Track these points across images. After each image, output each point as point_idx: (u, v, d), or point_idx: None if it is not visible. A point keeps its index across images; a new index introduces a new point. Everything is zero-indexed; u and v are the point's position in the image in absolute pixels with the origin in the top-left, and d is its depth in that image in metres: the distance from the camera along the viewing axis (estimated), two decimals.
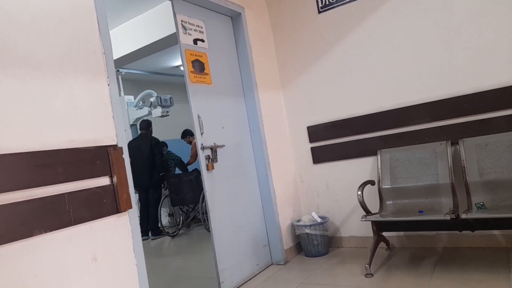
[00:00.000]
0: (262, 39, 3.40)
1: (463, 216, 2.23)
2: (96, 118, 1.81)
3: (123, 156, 1.86)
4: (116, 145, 1.86)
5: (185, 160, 6.04)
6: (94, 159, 1.73)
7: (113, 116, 1.88)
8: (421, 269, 2.49)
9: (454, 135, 2.72)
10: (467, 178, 2.52)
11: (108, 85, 1.89)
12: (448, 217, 2.24)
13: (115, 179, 1.79)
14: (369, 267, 2.52)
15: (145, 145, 5.18)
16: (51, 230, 1.53)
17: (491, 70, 2.60)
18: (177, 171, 5.95)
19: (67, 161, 1.63)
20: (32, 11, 1.62)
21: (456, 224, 2.40)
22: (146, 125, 5.37)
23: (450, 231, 2.56)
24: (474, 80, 2.66)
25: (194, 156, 5.68)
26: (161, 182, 5.37)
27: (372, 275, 2.51)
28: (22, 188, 1.46)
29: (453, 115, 2.72)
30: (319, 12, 3.27)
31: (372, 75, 3.05)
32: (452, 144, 2.69)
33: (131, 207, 1.85)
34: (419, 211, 2.58)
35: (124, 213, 1.83)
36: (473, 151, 2.56)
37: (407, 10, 2.87)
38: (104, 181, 1.77)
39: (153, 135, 5.47)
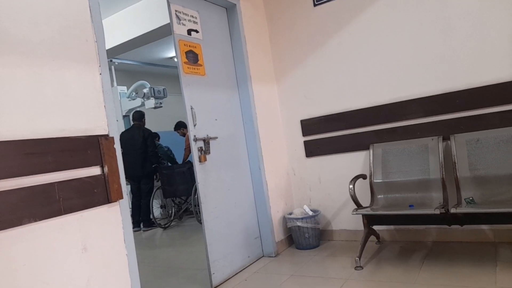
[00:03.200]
0: (257, 31, 3.39)
1: (453, 210, 2.26)
2: (87, 107, 1.79)
3: (115, 146, 1.85)
4: (107, 135, 1.84)
5: (176, 152, 6.02)
6: (85, 148, 1.72)
7: (104, 106, 1.86)
8: (410, 262, 2.52)
9: (446, 130, 2.74)
10: (457, 173, 2.55)
11: (100, 74, 1.87)
12: (437, 212, 2.27)
13: (106, 169, 1.78)
14: (359, 260, 2.55)
15: (138, 136, 5.15)
16: (41, 219, 1.52)
17: (484, 66, 2.61)
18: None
19: (58, 150, 1.61)
20: None
21: (445, 218, 2.43)
22: (139, 116, 5.33)
23: (440, 225, 2.59)
24: (467, 76, 2.67)
25: (189, 148, 5.65)
26: (153, 174, 5.36)
27: (362, 267, 2.53)
28: (11, 176, 1.44)
29: (446, 110, 2.74)
30: (315, 5, 3.25)
31: (366, 70, 3.06)
32: (443, 139, 2.71)
33: (122, 198, 1.84)
34: (410, 205, 2.60)
35: (115, 203, 1.83)
36: (464, 146, 2.59)
37: (402, 6, 2.86)
38: (95, 171, 1.76)
39: (146, 126, 5.44)
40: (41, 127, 1.59)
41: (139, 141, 5.13)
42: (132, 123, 5.39)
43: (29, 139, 1.53)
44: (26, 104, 1.55)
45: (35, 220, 1.50)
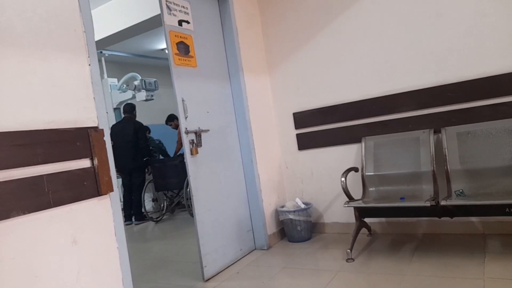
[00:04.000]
0: (249, 22, 3.35)
1: (443, 203, 2.28)
2: (76, 98, 1.76)
3: (104, 138, 1.82)
4: (97, 127, 1.81)
5: (168, 145, 5.98)
6: (74, 140, 1.69)
7: (94, 97, 1.83)
8: (400, 254, 2.55)
9: (437, 123, 2.75)
10: (448, 166, 2.57)
11: (89, 65, 1.84)
12: (428, 204, 2.29)
13: (96, 161, 1.75)
14: (351, 252, 2.56)
15: (129, 129, 5.10)
16: (29, 212, 1.49)
17: (476, 59, 2.62)
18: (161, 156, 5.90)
19: (47, 142, 1.58)
20: None
21: (435, 210, 2.46)
22: (130, 108, 5.28)
23: (430, 217, 2.61)
24: (458, 70, 2.68)
25: (181, 142, 5.59)
26: (145, 167, 5.32)
27: (353, 259, 2.55)
28: None
29: (437, 103, 2.76)
30: None
31: (359, 62, 3.05)
32: (435, 132, 2.72)
33: (112, 190, 1.82)
34: (401, 198, 2.62)
35: (105, 196, 1.80)
36: (454, 139, 2.61)
37: None
38: (85, 163, 1.73)
39: (137, 119, 5.39)
40: (29, 119, 1.56)
41: (130, 134, 5.08)
42: (123, 115, 5.33)
43: (16, 131, 1.49)
44: (13, 95, 1.52)
45: (24, 213, 1.48)
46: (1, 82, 1.49)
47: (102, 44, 4.57)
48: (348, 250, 2.57)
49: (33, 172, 1.54)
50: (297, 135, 3.40)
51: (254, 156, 3.12)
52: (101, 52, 6.06)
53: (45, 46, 1.66)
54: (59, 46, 1.71)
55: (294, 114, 3.39)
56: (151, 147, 5.62)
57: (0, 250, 1.41)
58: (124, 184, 5.27)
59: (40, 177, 1.54)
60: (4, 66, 1.51)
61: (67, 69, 1.73)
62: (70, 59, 1.75)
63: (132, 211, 5.25)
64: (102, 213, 1.79)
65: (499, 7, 2.52)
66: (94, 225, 1.74)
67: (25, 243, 1.49)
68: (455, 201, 2.31)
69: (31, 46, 1.60)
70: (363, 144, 2.97)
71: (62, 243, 1.61)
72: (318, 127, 3.28)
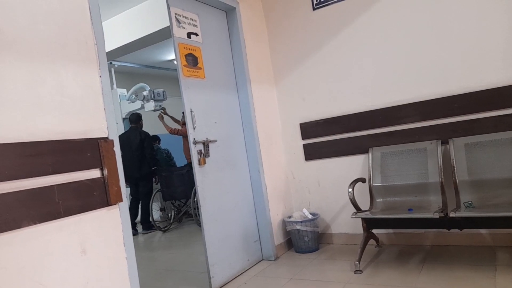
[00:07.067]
0: (256, 34, 3.40)
1: (452, 214, 2.26)
2: (87, 109, 1.79)
3: (114, 148, 1.85)
4: (107, 138, 1.84)
5: (176, 155, 6.00)
6: (84, 151, 1.72)
7: (104, 108, 1.87)
8: (409, 266, 2.52)
9: (444, 134, 2.74)
10: (456, 177, 2.55)
11: (100, 76, 1.87)
12: (437, 215, 2.27)
13: (105, 171, 1.78)
14: (359, 263, 2.54)
15: (135, 138, 5.13)
16: (40, 222, 1.52)
17: (482, 70, 2.62)
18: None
19: (57, 152, 1.61)
20: None
21: (444, 222, 2.43)
22: (136, 118, 5.31)
23: (439, 229, 2.58)
24: (465, 80, 2.68)
25: (174, 131, 5.38)
26: (151, 176, 5.33)
27: (361, 271, 2.53)
28: (10, 179, 1.44)
29: (444, 114, 2.75)
30: (314, 9, 3.27)
31: (364, 73, 3.06)
32: (442, 143, 2.71)
33: (121, 200, 1.84)
34: (409, 209, 2.60)
35: (114, 206, 1.82)
36: (462, 150, 2.59)
37: (400, 10, 2.88)
38: (95, 173, 1.76)
39: (146, 129, 5.43)
40: (40, 129, 1.59)
41: (136, 143, 5.11)
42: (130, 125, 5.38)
43: (28, 142, 1.52)
44: (25, 106, 1.55)
45: (35, 223, 1.50)
46: (13, 93, 1.52)
47: (112, 55, 4.66)
48: (356, 262, 2.55)
49: (44, 182, 1.56)
50: (304, 145, 3.40)
51: (261, 166, 3.13)
52: (110, 63, 6.16)
53: (57, 58, 1.70)
54: (71, 58, 1.75)
55: (301, 124, 3.40)
56: (157, 157, 5.63)
57: (10, 260, 1.43)
58: (130, 194, 5.29)
59: (51, 187, 1.57)
60: (17, 77, 1.54)
61: (78, 81, 1.77)
62: (81, 71, 1.79)
63: (136, 221, 5.26)
64: (111, 223, 1.81)
65: (505, 19, 2.53)
66: (103, 235, 1.76)
67: (35, 252, 1.51)
68: (464, 213, 2.29)
69: (42, 58, 1.64)
70: (370, 154, 2.96)
71: (71, 253, 1.62)
72: (325, 137, 3.28)
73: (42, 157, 1.56)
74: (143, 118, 5.47)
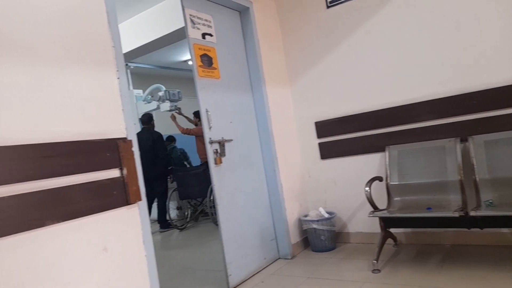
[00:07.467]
0: (270, 34, 3.40)
1: (472, 213, 2.22)
2: (106, 110, 1.83)
3: (133, 148, 1.88)
4: (125, 138, 1.88)
5: (192, 154, 6.04)
6: (103, 151, 1.75)
7: (122, 109, 1.90)
8: (428, 265, 2.48)
9: (463, 131, 2.69)
10: (476, 175, 2.50)
11: (118, 78, 1.91)
12: (457, 214, 2.23)
13: (125, 171, 1.81)
14: (377, 262, 2.52)
15: (147, 139, 5.15)
16: (62, 221, 1.56)
17: (501, 66, 2.56)
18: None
19: (77, 153, 1.65)
20: (37, 2, 1.64)
21: (465, 221, 2.39)
22: (147, 119, 5.34)
23: (458, 228, 2.54)
24: (483, 77, 2.62)
25: (186, 131, 5.44)
26: (166, 175, 5.37)
27: (379, 270, 2.51)
28: (31, 179, 1.48)
29: (462, 111, 2.70)
30: (328, 7, 3.25)
31: (380, 71, 3.03)
32: (461, 141, 2.66)
33: (140, 199, 1.87)
34: (427, 208, 2.57)
35: (133, 205, 1.86)
36: (482, 148, 2.54)
37: (415, 6, 2.83)
38: (114, 173, 1.79)
39: (161, 129, 5.48)
40: (61, 131, 1.63)
41: (148, 143, 5.13)
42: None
43: (48, 143, 1.56)
44: (45, 108, 1.59)
45: (58, 221, 1.54)
46: (34, 96, 1.57)
47: (128, 57, 4.73)
48: (374, 261, 2.53)
49: (65, 182, 1.60)
50: (319, 144, 3.39)
51: (277, 165, 3.14)
52: (126, 64, 6.25)
53: (76, 60, 1.74)
54: (89, 61, 1.79)
55: (316, 123, 3.39)
56: (172, 156, 5.67)
57: (34, 258, 1.47)
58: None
59: (71, 187, 1.61)
60: (38, 81, 1.58)
61: (97, 83, 1.81)
62: (99, 73, 1.83)
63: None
64: (131, 222, 1.84)
65: None
66: (123, 233, 1.79)
67: (58, 250, 1.55)
68: (485, 212, 2.24)
69: (63, 61, 1.68)
70: (387, 153, 2.93)
71: (93, 251, 1.66)
72: (340, 136, 3.26)
73: (62, 157, 1.60)
74: (159, 118, 5.51)
